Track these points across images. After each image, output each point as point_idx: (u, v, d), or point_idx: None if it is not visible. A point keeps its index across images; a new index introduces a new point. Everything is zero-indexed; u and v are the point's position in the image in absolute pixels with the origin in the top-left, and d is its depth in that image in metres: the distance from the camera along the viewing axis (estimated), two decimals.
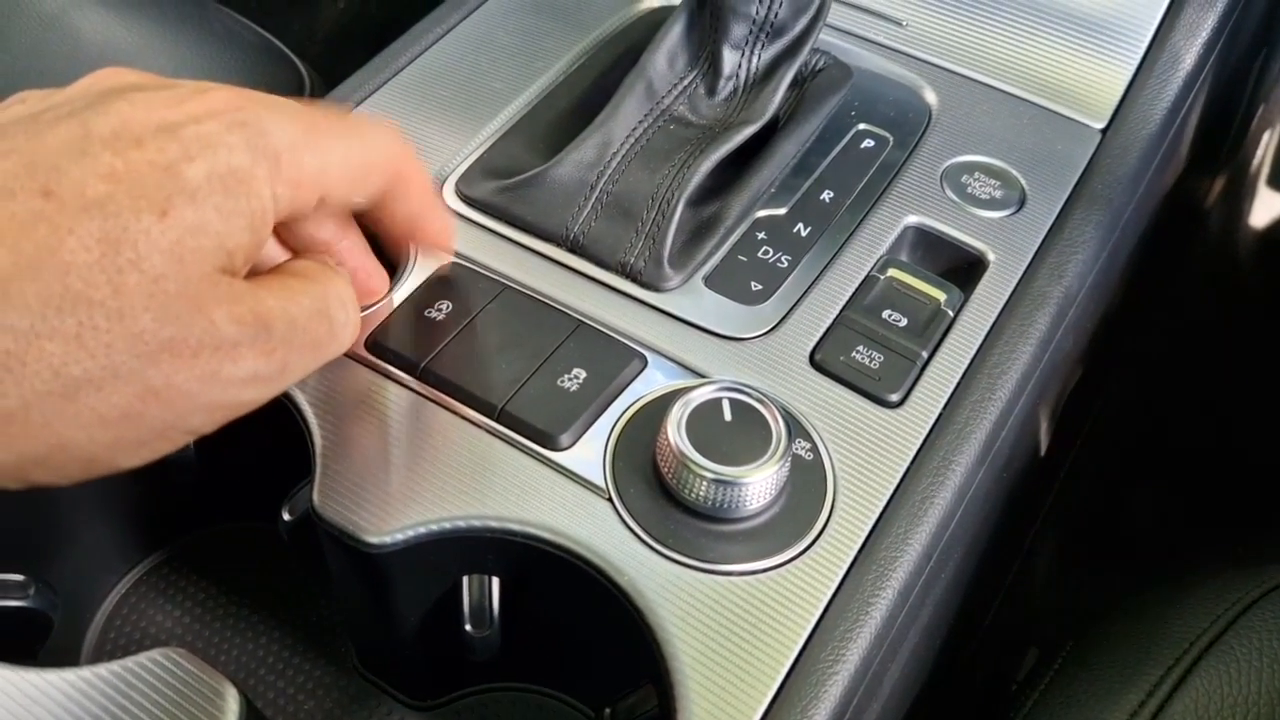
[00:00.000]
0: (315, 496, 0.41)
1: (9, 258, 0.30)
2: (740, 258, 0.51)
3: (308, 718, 0.51)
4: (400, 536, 0.40)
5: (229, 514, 0.55)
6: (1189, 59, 0.57)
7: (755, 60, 0.54)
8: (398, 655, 0.49)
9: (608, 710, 0.44)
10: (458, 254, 0.50)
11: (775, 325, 0.48)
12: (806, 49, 0.54)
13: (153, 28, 0.78)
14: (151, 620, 0.54)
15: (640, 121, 0.53)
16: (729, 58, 0.54)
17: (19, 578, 0.47)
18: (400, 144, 0.41)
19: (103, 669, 0.36)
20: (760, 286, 0.50)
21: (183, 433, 0.34)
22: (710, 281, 0.50)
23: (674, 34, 0.54)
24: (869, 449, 0.44)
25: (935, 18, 0.61)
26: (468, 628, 0.45)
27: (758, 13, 0.52)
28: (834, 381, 0.46)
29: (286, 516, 0.46)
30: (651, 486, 0.42)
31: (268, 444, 0.45)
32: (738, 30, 0.53)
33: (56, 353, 0.30)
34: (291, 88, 0.79)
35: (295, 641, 0.54)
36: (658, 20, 0.62)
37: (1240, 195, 0.76)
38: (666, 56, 0.54)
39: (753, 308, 0.49)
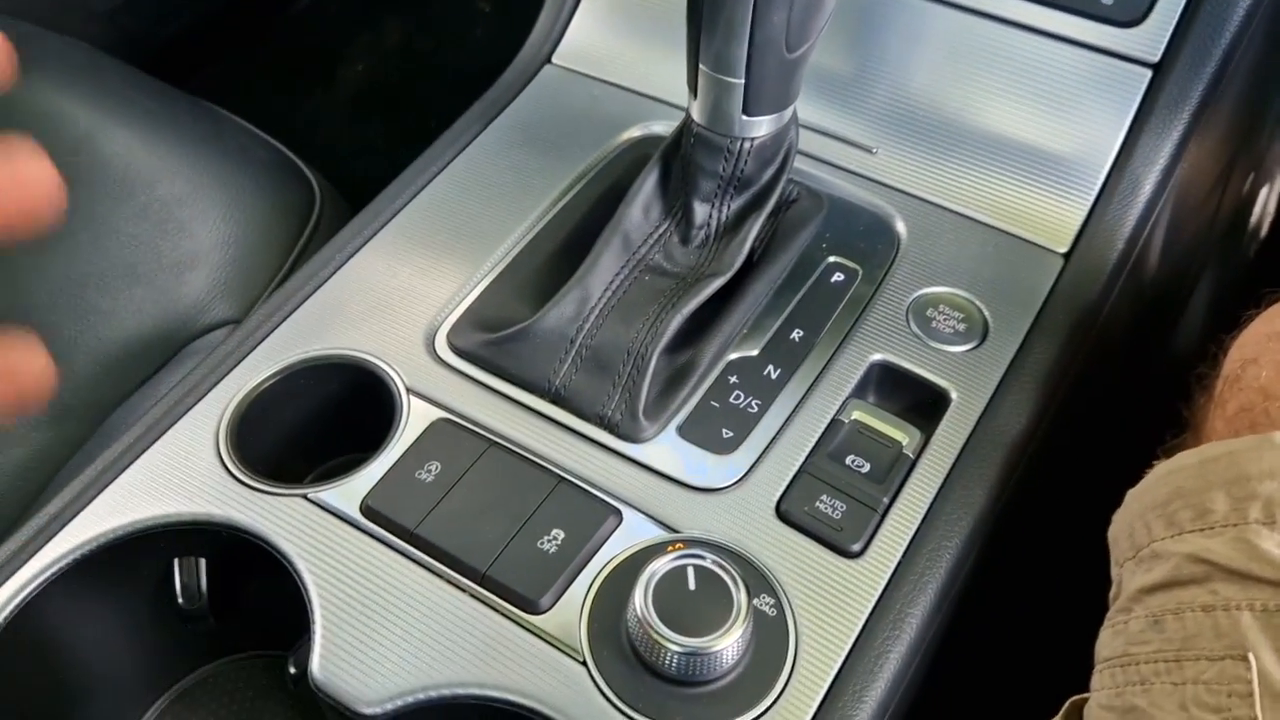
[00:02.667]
0: (315, 669, 0.45)
1: None
2: (713, 403, 0.54)
3: None
4: (390, 707, 0.44)
5: (241, 648, 0.59)
6: (1148, 185, 0.59)
7: (725, 210, 0.57)
8: None
9: None
10: (448, 407, 0.53)
11: (744, 475, 0.51)
12: (773, 199, 0.56)
13: (172, 149, 0.82)
14: None
15: (617, 274, 0.56)
16: (700, 209, 0.57)
17: None
18: None
19: None
20: (731, 434, 0.52)
21: None
22: (684, 430, 0.53)
23: (648, 187, 0.57)
24: (830, 600, 0.47)
25: (904, 146, 0.63)
26: None
27: (724, 170, 0.55)
28: (798, 532, 0.49)
29: (292, 670, 0.50)
30: (623, 650, 0.45)
31: (273, 590, 0.49)
32: (706, 185, 0.56)
33: None
34: (303, 199, 0.83)
35: None
36: (637, 154, 0.65)
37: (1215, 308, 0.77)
38: (642, 208, 0.57)
39: (723, 457, 0.52)
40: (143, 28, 1.33)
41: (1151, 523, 0.41)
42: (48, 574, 0.49)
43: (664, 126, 0.67)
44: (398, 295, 0.59)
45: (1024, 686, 0.47)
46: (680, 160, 0.57)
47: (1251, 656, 0.35)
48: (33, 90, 0.83)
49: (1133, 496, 0.43)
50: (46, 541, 0.50)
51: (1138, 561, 0.41)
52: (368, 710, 0.44)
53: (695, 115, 0.54)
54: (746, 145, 0.54)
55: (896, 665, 0.45)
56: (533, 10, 0.74)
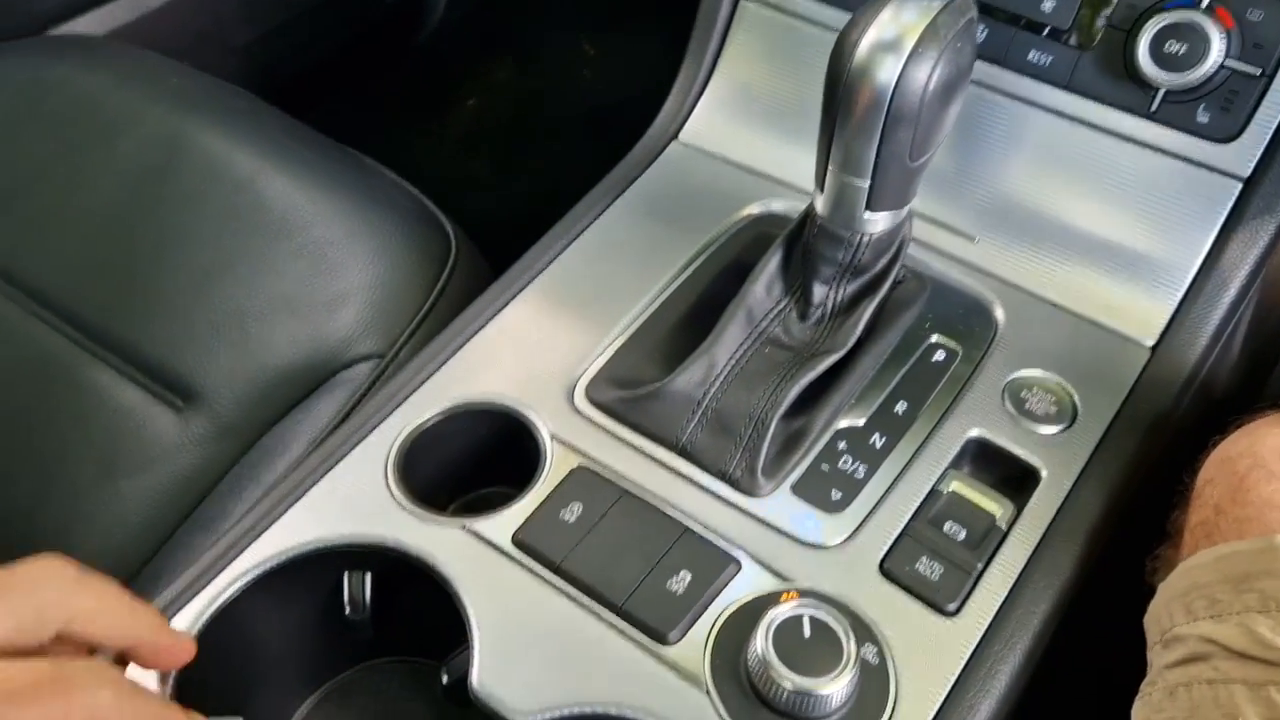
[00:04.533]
0: (475, 681, 0.52)
1: None
2: (823, 467, 0.60)
3: None
4: (540, 718, 0.51)
5: (389, 652, 0.67)
6: (1233, 286, 0.64)
7: (841, 293, 0.63)
8: None
9: None
10: (587, 454, 0.60)
11: (851, 534, 0.57)
12: (886, 285, 0.63)
13: (326, 195, 0.90)
14: None
15: (741, 344, 0.63)
16: (818, 291, 0.63)
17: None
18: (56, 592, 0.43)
19: None
20: (840, 495, 0.59)
21: None
22: (797, 489, 0.59)
23: (771, 266, 0.64)
24: (927, 653, 0.53)
25: (1004, 236, 0.69)
26: None
27: (843, 258, 0.61)
28: (900, 590, 0.55)
29: (445, 680, 0.57)
30: (742, 685, 0.51)
31: (424, 604, 0.57)
32: (826, 270, 0.62)
33: None
34: (441, 244, 0.91)
35: None
36: (756, 230, 0.72)
37: None
38: (765, 285, 0.64)
39: (832, 516, 0.58)
40: (273, 62, 1.44)
41: (1174, 611, 0.48)
42: (240, 583, 0.57)
43: (782, 204, 0.73)
44: (541, 349, 0.66)
45: None
46: (802, 245, 0.63)
47: None
48: (204, 134, 0.92)
49: (1162, 588, 0.50)
50: (238, 555, 0.58)
51: (1164, 645, 0.48)
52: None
53: (820, 208, 0.61)
54: (865, 239, 0.60)
55: (985, 717, 0.51)
56: (635, 54, 0.80)
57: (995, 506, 0.58)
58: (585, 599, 0.55)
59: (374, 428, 0.62)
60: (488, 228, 0.98)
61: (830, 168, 0.58)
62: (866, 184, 0.57)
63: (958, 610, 0.54)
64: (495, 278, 0.72)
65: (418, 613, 0.60)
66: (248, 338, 0.83)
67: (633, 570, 0.55)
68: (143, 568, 0.75)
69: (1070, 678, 0.58)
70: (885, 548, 0.57)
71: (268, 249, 0.87)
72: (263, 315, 0.84)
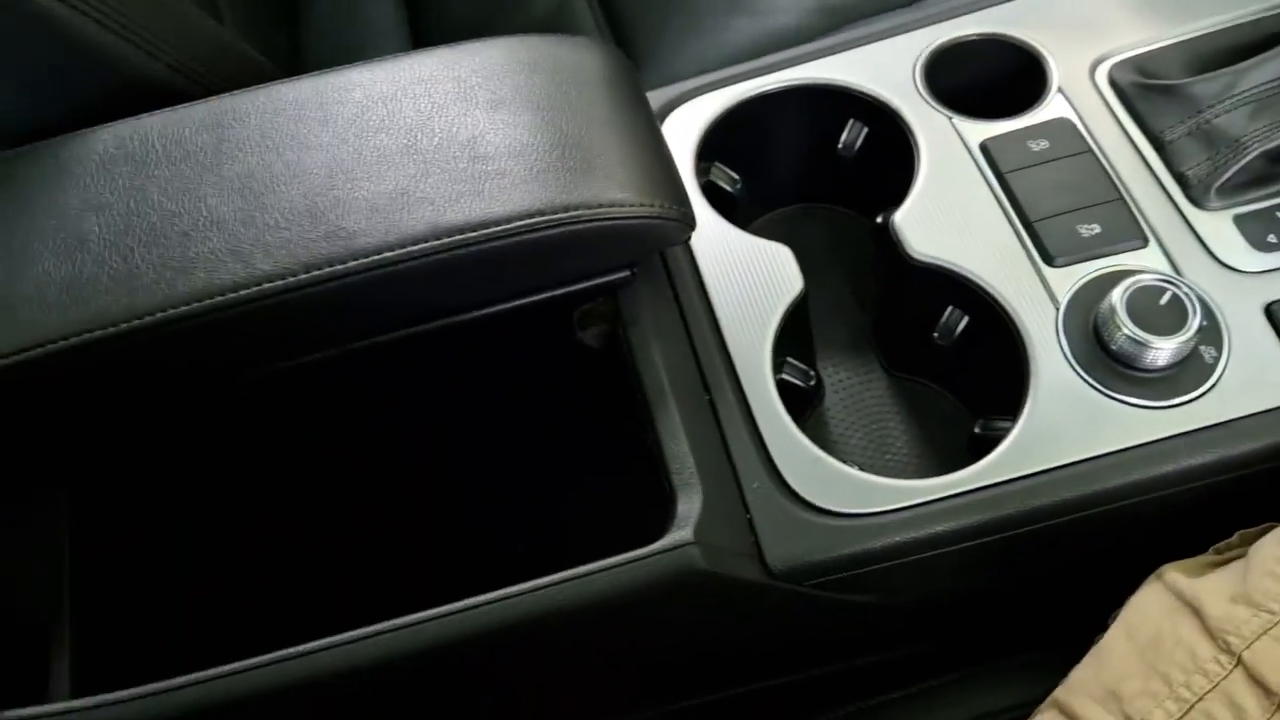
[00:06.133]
0: (897, 218, 0.67)
1: None
2: (1278, 214, 0.64)
3: None
4: (926, 259, 0.66)
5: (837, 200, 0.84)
6: None
7: None
8: None
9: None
10: (1080, 112, 0.69)
11: (1260, 272, 0.62)
12: None
13: None
14: None
15: (1272, 81, 0.65)
16: None
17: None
18: None
19: None
20: (1275, 240, 0.63)
21: None
22: (1240, 220, 0.64)
23: None
24: (1260, 387, 0.59)
25: None
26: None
27: None
28: (1272, 332, 0.60)
29: (879, 220, 0.73)
30: (1087, 319, 0.62)
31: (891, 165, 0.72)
32: None
33: None
34: None
35: None
36: None
37: None
38: None
39: (1256, 252, 0.63)
40: None
41: None
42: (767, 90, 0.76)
43: None
44: (1097, 22, 0.73)
45: None
46: None
47: None
48: None
49: None
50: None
51: None
52: (918, 259, 0.66)
53: None
54: None
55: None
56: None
57: None
58: (1007, 201, 0.67)
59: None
60: None
61: None
62: None
63: None
64: None
65: (878, 169, 0.75)
66: None
67: (1059, 202, 0.66)
68: None
69: None
70: (1275, 297, 0.61)
71: None
72: None
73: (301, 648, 0.51)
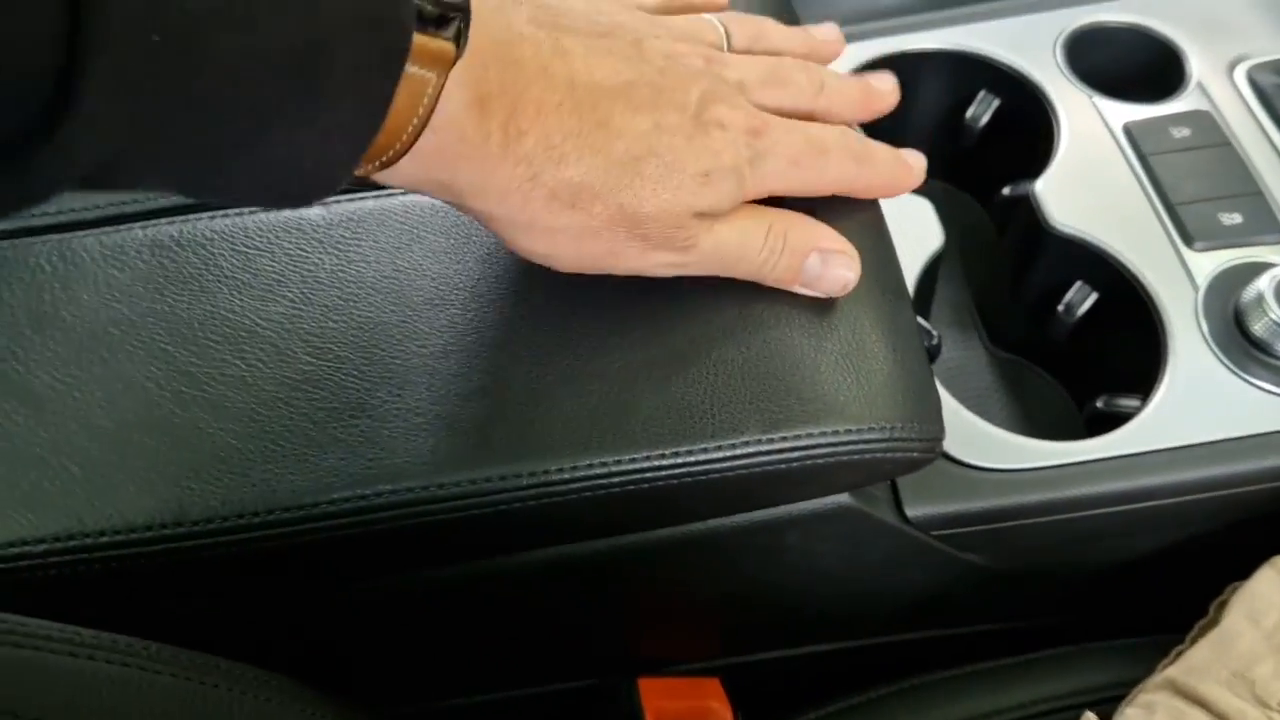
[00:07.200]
0: (1038, 186, 0.67)
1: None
2: None
3: None
4: (1069, 231, 0.66)
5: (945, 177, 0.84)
6: None
7: None
8: None
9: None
10: (1220, 110, 0.69)
11: None
12: None
13: None
14: None
15: None
16: None
17: None
18: None
19: None
20: None
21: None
22: None
23: None
24: None
25: None
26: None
27: None
28: None
29: (1006, 192, 0.72)
30: (1227, 303, 0.62)
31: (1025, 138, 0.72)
32: None
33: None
34: None
35: None
36: None
37: None
38: None
39: None
40: None
41: None
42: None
43: None
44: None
45: None
46: None
47: None
48: None
49: None
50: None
51: None
52: (1058, 229, 0.66)
53: None
54: None
55: None
56: None
57: None
58: (1148, 182, 0.67)
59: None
60: None
61: None
62: None
63: None
64: None
65: (1002, 144, 0.75)
66: None
67: (1199, 189, 0.66)
68: None
69: None
70: None
71: None
72: None
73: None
